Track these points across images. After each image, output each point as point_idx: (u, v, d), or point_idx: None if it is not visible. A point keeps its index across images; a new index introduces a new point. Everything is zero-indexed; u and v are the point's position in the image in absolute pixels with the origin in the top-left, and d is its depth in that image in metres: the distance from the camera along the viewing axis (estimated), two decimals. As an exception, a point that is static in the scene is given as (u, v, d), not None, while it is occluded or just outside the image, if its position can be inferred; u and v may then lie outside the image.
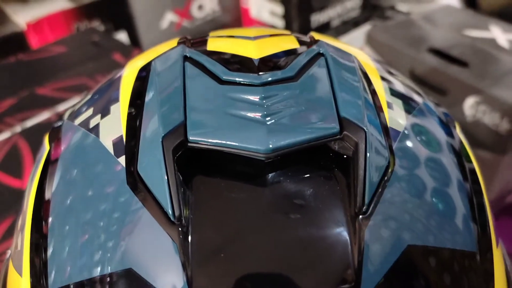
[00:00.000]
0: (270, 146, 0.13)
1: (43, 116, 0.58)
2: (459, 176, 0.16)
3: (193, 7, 0.98)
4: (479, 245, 0.15)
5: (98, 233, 0.13)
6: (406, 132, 0.15)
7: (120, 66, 0.52)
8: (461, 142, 0.18)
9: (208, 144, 0.13)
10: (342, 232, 0.12)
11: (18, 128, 0.56)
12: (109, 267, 0.12)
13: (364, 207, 0.13)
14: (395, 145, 0.14)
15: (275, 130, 0.13)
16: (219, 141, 0.13)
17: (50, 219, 0.15)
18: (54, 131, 0.19)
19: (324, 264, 0.12)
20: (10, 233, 0.44)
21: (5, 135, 0.56)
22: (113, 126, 0.15)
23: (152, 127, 0.13)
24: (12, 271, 0.16)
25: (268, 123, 0.13)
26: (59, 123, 0.19)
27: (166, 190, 0.12)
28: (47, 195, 0.16)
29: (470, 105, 0.65)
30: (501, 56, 0.68)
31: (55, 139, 0.18)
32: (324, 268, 0.11)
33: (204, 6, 0.98)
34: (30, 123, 0.57)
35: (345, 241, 0.12)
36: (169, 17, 0.96)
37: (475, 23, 0.77)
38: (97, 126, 0.16)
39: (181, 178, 0.13)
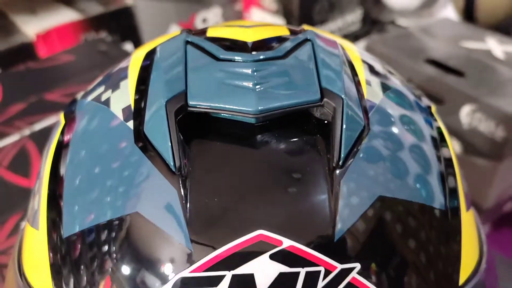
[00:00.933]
0: (259, 108, 0.15)
1: (51, 120, 0.61)
2: (430, 143, 0.18)
3: (197, 20, 1.02)
4: (446, 203, 0.17)
5: (107, 183, 0.15)
6: (381, 103, 0.17)
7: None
8: (435, 120, 0.20)
9: (205, 107, 0.15)
10: (321, 182, 0.14)
11: (26, 131, 0.59)
12: (118, 212, 0.14)
13: (340, 162, 0.15)
14: (370, 113, 0.17)
15: (263, 96, 0.15)
16: (215, 105, 0.15)
17: (64, 173, 0.17)
18: (68, 109, 0.21)
19: (306, 207, 0.14)
20: (15, 231, 0.46)
21: (14, 137, 0.58)
22: (122, 98, 0.17)
23: (157, 95, 0.16)
24: (29, 230, 0.18)
25: (257, 90, 0.15)
26: (73, 103, 0.22)
27: (168, 146, 0.15)
28: (63, 155, 0.18)
29: (466, 113, 0.67)
30: (496, 67, 0.70)
31: (70, 114, 0.20)
32: (305, 210, 0.14)
33: (208, 19, 1.01)
34: (38, 126, 0.60)
35: (323, 190, 0.14)
36: (174, 30, 1.00)
37: (471, 35, 0.80)
38: (108, 99, 0.18)
39: (181, 137, 0.15)
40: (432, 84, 0.71)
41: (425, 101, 0.21)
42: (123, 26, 0.92)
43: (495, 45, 0.76)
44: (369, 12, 1.08)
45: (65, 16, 0.92)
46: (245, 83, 0.15)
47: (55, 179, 0.17)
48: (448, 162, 0.19)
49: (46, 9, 0.97)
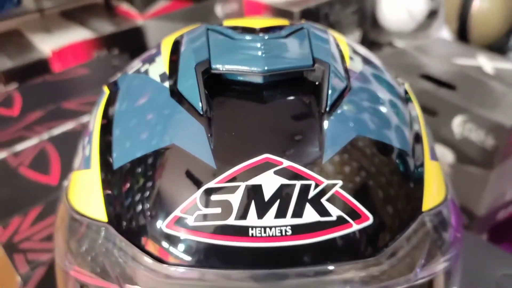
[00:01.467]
0: (265, 68, 0.20)
1: (69, 126, 0.65)
2: (400, 101, 0.23)
3: (204, 40, 1.08)
4: (413, 149, 0.21)
5: (149, 125, 0.19)
6: (361, 72, 0.22)
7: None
8: (406, 92, 0.24)
9: (225, 69, 0.20)
10: (313, 122, 0.18)
11: (45, 136, 0.64)
12: (158, 145, 0.19)
13: (327, 109, 0.19)
14: (352, 77, 0.21)
15: (269, 61, 0.20)
16: (232, 67, 0.20)
17: (114, 122, 0.21)
18: (110, 82, 0.26)
19: (301, 139, 0.18)
20: (39, 218, 0.50)
21: (34, 141, 0.63)
22: (158, 68, 0.22)
23: (188, 61, 0.20)
24: (78, 174, 0.22)
25: (264, 56, 0.20)
26: (114, 79, 0.26)
27: (197, 95, 0.19)
28: (111, 111, 0.22)
29: (457, 124, 0.72)
30: (486, 81, 0.75)
31: (113, 84, 0.25)
32: (300, 141, 0.18)
33: (214, 39, 1.07)
34: (56, 131, 0.64)
35: (315, 127, 0.18)
36: (181, 48, 1.06)
37: (463, 53, 0.85)
38: (146, 70, 0.23)
39: (206, 92, 0.20)
40: (426, 98, 0.76)
41: (399, 80, 0.25)
42: (133, 45, 0.98)
43: (485, 62, 0.81)
44: (367, 34, 1.15)
45: (79, 34, 0.98)
46: (255, 53, 0.20)
47: (105, 129, 0.22)
48: (415, 118, 0.23)
49: (61, 28, 1.04)
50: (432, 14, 1.13)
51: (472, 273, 0.39)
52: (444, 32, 1.14)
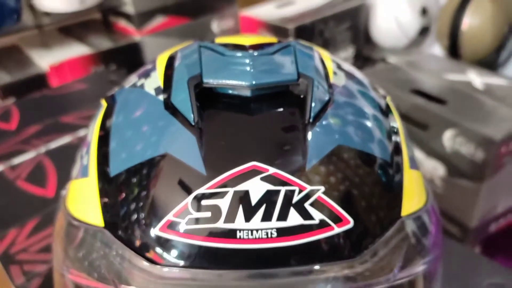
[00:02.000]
0: (253, 82, 0.21)
1: (66, 139, 0.67)
2: (381, 114, 0.24)
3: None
4: (392, 158, 0.22)
5: (144, 136, 0.21)
6: (344, 86, 0.24)
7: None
8: (388, 106, 0.26)
9: (215, 83, 0.21)
10: (297, 132, 0.20)
11: (42, 149, 0.65)
12: (152, 154, 0.20)
13: (311, 120, 0.20)
14: (336, 91, 0.23)
15: (256, 75, 0.21)
16: (222, 81, 0.21)
17: (111, 134, 0.23)
18: (108, 96, 0.27)
19: (286, 148, 0.20)
20: (36, 230, 0.51)
21: (31, 154, 0.64)
22: (153, 82, 0.24)
23: (181, 76, 0.22)
24: (76, 183, 0.23)
25: (252, 71, 0.22)
26: (112, 92, 0.28)
27: (189, 108, 0.20)
28: (108, 123, 0.24)
29: (448, 138, 0.73)
30: (475, 96, 0.78)
31: (110, 97, 0.26)
32: (285, 150, 0.19)
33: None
34: (53, 145, 0.65)
35: (299, 137, 0.20)
36: (178, 64, 1.07)
37: (453, 69, 0.87)
38: (142, 84, 0.24)
39: (198, 104, 0.21)
40: (417, 112, 0.78)
41: (382, 92, 0.26)
42: (131, 60, 1.00)
43: (475, 77, 0.83)
44: (361, 50, 1.17)
45: (77, 50, 1.00)
46: (243, 68, 0.22)
47: (102, 140, 0.23)
48: (395, 129, 0.24)
49: (59, 44, 1.06)
50: (424, 31, 1.16)
51: (460, 282, 0.40)
52: (436, 49, 1.17)
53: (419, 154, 0.79)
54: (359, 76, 0.26)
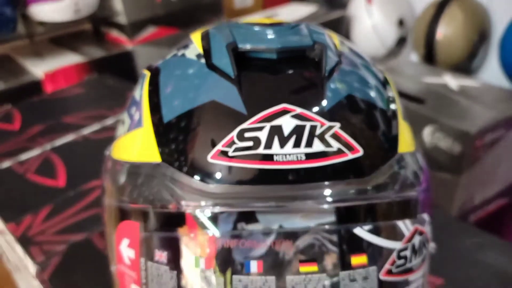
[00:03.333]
0: (279, 46, 0.27)
1: (70, 137, 0.70)
2: (380, 75, 0.30)
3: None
4: (389, 107, 0.28)
5: (193, 88, 0.26)
6: (348, 53, 0.29)
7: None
8: (386, 79, 0.31)
9: (248, 47, 0.26)
10: (316, 83, 0.25)
11: (48, 146, 0.68)
12: (202, 101, 0.25)
13: (326, 74, 0.26)
14: (343, 56, 0.28)
15: (280, 41, 0.27)
16: (254, 46, 0.27)
17: (160, 88, 0.27)
18: (150, 66, 0.32)
19: (309, 94, 0.25)
20: (51, 215, 0.54)
21: (37, 151, 0.68)
22: (193, 50, 0.29)
23: (218, 43, 0.27)
24: (129, 135, 0.28)
25: (276, 38, 0.27)
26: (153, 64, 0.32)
27: (229, 65, 0.26)
28: (156, 81, 0.28)
29: (428, 133, 0.80)
30: (451, 95, 0.85)
31: (153, 68, 0.31)
32: (309, 96, 0.25)
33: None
34: (58, 142, 0.69)
35: (317, 86, 0.25)
36: (168, 72, 1.13)
37: (430, 72, 0.95)
38: (183, 54, 0.29)
39: (235, 63, 0.26)
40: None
41: (380, 67, 0.32)
42: (123, 69, 1.05)
43: (450, 80, 0.91)
44: (342, 59, 1.23)
45: (70, 59, 1.04)
46: (269, 36, 0.27)
47: (153, 94, 0.28)
48: (392, 98, 0.30)
49: (52, 53, 1.10)
50: (401, 41, 1.24)
51: (444, 244, 0.46)
52: (413, 57, 1.25)
53: (401, 151, 0.86)
54: (360, 51, 0.32)
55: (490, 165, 0.82)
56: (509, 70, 1.05)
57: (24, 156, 0.67)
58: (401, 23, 1.22)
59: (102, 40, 1.16)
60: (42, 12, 0.96)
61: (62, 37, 1.20)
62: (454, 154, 0.77)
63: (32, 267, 0.49)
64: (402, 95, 0.86)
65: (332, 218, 0.23)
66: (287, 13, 1.28)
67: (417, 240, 0.25)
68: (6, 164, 0.65)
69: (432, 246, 0.29)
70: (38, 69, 1.01)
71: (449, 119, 0.78)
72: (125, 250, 0.26)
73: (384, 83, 0.29)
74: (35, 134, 0.72)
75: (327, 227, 0.22)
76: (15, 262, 0.59)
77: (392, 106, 0.28)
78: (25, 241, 0.51)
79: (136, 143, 0.27)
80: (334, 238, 0.23)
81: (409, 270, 0.25)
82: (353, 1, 1.28)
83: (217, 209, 0.22)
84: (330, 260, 0.22)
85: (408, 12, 1.23)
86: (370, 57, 0.32)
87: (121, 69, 1.04)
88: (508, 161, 0.87)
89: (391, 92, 0.29)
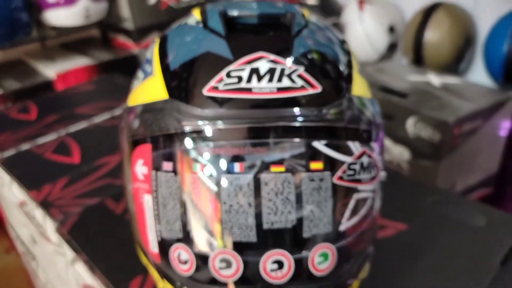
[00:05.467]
0: (260, 12, 0.35)
1: (82, 125, 0.79)
2: (339, 38, 0.38)
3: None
4: (343, 61, 0.36)
5: (192, 43, 0.34)
6: (315, 22, 0.38)
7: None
8: (347, 45, 0.39)
9: (235, 14, 0.35)
10: (287, 39, 0.33)
11: (63, 132, 0.77)
12: (199, 51, 0.33)
13: (294, 33, 0.34)
14: (310, 22, 0.37)
15: (261, 8, 0.35)
16: (239, 12, 0.35)
17: (167, 45, 0.36)
18: (160, 35, 0.40)
19: (280, 47, 0.33)
20: (68, 185, 0.62)
21: (53, 136, 0.76)
22: (193, 19, 0.37)
23: (212, 12, 0.35)
24: (143, 84, 0.36)
25: (258, 7, 0.36)
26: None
27: (221, 26, 0.34)
28: (164, 42, 0.37)
29: (410, 124, 0.88)
30: (432, 90, 0.93)
31: (162, 35, 0.39)
32: (280, 46, 0.33)
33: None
34: (72, 129, 0.78)
35: (288, 41, 0.33)
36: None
37: (415, 71, 1.04)
38: (185, 22, 0.38)
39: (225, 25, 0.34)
40: (383, 105, 0.93)
41: (342, 37, 0.40)
42: (129, 71, 1.14)
43: (433, 78, 1.00)
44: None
45: (80, 61, 1.14)
46: (253, 6, 0.36)
47: (161, 49, 0.36)
48: (349, 50, 0.38)
49: (62, 56, 1.19)
50: (392, 47, 1.33)
51: (407, 203, 0.54)
52: (402, 62, 1.34)
53: (387, 142, 0.94)
54: (326, 23, 0.40)
55: (470, 153, 0.90)
56: (493, 72, 1.13)
57: (41, 140, 0.75)
58: (391, 29, 1.31)
59: (109, 45, 1.26)
60: (55, 17, 1.06)
61: (72, 42, 1.30)
62: (434, 142, 0.85)
63: (51, 227, 0.57)
64: (388, 91, 0.95)
65: (301, 150, 0.31)
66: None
67: (365, 160, 0.33)
68: (25, 146, 0.74)
69: (382, 174, 0.37)
70: (50, 70, 1.11)
71: (430, 110, 0.86)
72: (140, 168, 0.34)
73: (342, 45, 0.37)
74: (50, 122, 0.81)
75: (296, 140, 0.30)
76: (32, 237, 0.66)
77: (347, 61, 0.36)
78: (46, 205, 0.59)
79: (148, 88, 0.35)
80: (300, 150, 0.31)
81: (358, 181, 0.33)
82: (347, 9, 1.38)
83: (210, 127, 0.31)
84: (295, 164, 0.30)
85: (398, 19, 1.33)
86: (334, 30, 0.40)
87: (127, 71, 1.12)
88: (487, 151, 0.95)
89: (348, 55, 0.37)
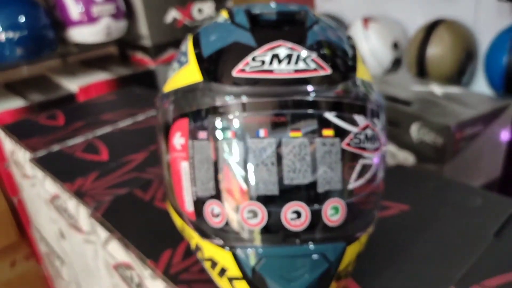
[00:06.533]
0: (278, 10, 0.42)
1: (108, 129, 0.86)
2: (347, 40, 0.45)
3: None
4: (349, 50, 0.43)
5: (222, 35, 0.41)
6: (324, 19, 0.45)
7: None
8: (353, 42, 0.46)
9: (258, 12, 0.42)
10: (301, 31, 0.40)
11: (90, 135, 0.84)
12: (228, 42, 0.40)
13: (308, 26, 0.41)
14: (319, 20, 0.44)
15: (278, 8, 0.43)
16: (261, 11, 0.42)
17: (200, 38, 0.43)
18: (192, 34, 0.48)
19: (296, 37, 0.40)
20: (98, 178, 0.69)
21: (81, 138, 0.83)
22: (222, 18, 0.44)
23: (238, 11, 0.42)
24: (180, 72, 0.43)
25: (276, 8, 0.43)
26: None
27: (246, 21, 0.41)
28: (197, 36, 0.44)
29: (414, 130, 0.95)
30: (434, 99, 1.00)
31: (194, 33, 0.46)
32: (295, 36, 0.40)
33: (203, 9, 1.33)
34: (99, 132, 0.85)
35: (302, 33, 0.40)
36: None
37: (419, 83, 1.11)
38: (215, 21, 0.45)
39: (249, 20, 0.42)
40: (389, 112, 0.99)
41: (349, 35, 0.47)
42: (146, 84, 1.22)
43: (436, 88, 1.06)
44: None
45: (100, 76, 1.22)
46: (272, 6, 0.43)
47: (195, 42, 0.43)
48: (354, 44, 0.45)
49: (84, 72, 1.28)
50: (396, 62, 1.40)
51: (409, 189, 0.60)
52: (407, 76, 1.41)
53: (393, 148, 1.00)
54: (334, 23, 0.47)
55: (472, 157, 0.95)
56: (494, 83, 1.20)
57: (71, 142, 0.82)
58: (395, 46, 1.39)
59: (127, 61, 1.34)
60: (78, 34, 1.15)
61: (91, 59, 1.39)
62: (438, 146, 0.91)
63: (84, 214, 0.64)
64: (393, 99, 1.01)
65: (315, 120, 0.38)
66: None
67: (369, 132, 0.40)
68: (56, 148, 0.81)
69: (384, 148, 0.43)
70: (72, 84, 1.19)
71: (433, 116, 0.93)
72: (178, 140, 0.40)
73: (348, 40, 0.45)
74: (78, 127, 0.88)
75: (309, 111, 0.37)
76: (60, 231, 0.73)
77: (352, 51, 0.43)
78: (80, 194, 0.65)
79: (184, 74, 0.42)
80: (313, 120, 0.37)
81: (363, 148, 0.39)
82: (352, 26, 1.46)
83: (239, 101, 0.38)
84: (310, 131, 0.37)
85: (402, 36, 1.41)
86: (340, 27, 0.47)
87: (145, 85, 1.21)
88: (490, 155, 1.01)
89: (353, 47, 0.44)
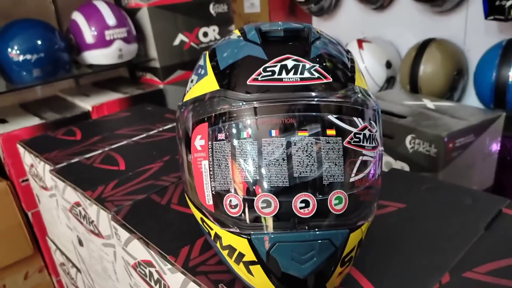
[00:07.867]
0: (284, 27, 0.48)
1: (123, 142, 0.91)
2: (346, 54, 0.50)
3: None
4: (348, 62, 0.48)
5: (236, 50, 0.46)
6: (325, 36, 0.50)
7: (172, 121, 0.88)
8: (352, 56, 0.51)
9: (267, 29, 0.47)
10: (306, 46, 0.45)
11: (107, 148, 0.89)
12: (241, 56, 0.45)
13: (311, 41, 0.46)
14: (322, 35, 0.49)
15: (285, 26, 0.48)
16: (270, 28, 0.47)
17: (217, 53, 0.47)
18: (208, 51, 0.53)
19: (301, 51, 0.45)
20: (117, 186, 0.73)
21: (99, 151, 0.88)
22: (235, 35, 0.49)
23: (250, 29, 0.48)
24: (198, 84, 0.48)
25: (282, 25, 0.48)
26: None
27: (257, 38, 0.46)
28: (213, 51, 0.49)
29: (409, 141, 0.99)
30: (427, 112, 1.05)
31: (210, 50, 0.51)
32: (300, 50, 0.45)
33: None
34: (115, 146, 0.90)
35: (306, 48, 0.45)
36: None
37: (411, 98, 1.16)
38: (229, 37, 0.50)
39: (260, 37, 0.47)
40: (384, 126, 1.04)
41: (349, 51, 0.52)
42: (156, 103, 1.27)
43: (428, 102, 1.11)
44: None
45: (112, 96, 1.28)
46: (279, 24, 0.48)
47: (212, 56, 0.48)
48: (352, 57, 0.50)
49: (96, 93, 1.33)
50: (390, 80, 1.46)
51: (404, 190, 0.64)
52: (400, 93, 1.46)
53: (389, 159, 1.05)
54: (334, 39, 0.52)
55: (465, 166, 1.00)
56: (483, 99, 1.25)
57: (89, 155, 0.87)
58: (389, 64, 1.44)
59: (137, 82, 1.40)
60: (92, 57, 1.21)
61: (103, 81, 1.44)
62: (431, 155, 0.96)
63: (105, 219, 0.68)
64: (387, 113, 1.06)
65: (319, 121, 0.43)
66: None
67: (367, 132, 0.44)
68: (75, 159, 0.85)
69: (381, 149, 0.48)
70: (86, 104, 1.24)
71: (426, 128, 0.97)
72: (198, 141, 0.45)
73: (347, 53, 0.50)
74: (94, 141, 0.92)
75: (314, 114, 0.42)
76: (78, 239, 0.76)
77: (350, 63, 0.48)
78: (100, 200, 0.69)
79: (203, 85, 0.47)
80: (318, 121, 0.42)
81: (362, 147, 0.44)
82: (347, 46, 1.53)
83: (253, 106, 0.42)
84: (315, 131, 0.42)
85: (395, 55, 1.47)
86: (340, 42, 0.52)
87: (155, 103, 1.26)
88: (482, 165, 1.05)
89: (351, 60, 0.49)
